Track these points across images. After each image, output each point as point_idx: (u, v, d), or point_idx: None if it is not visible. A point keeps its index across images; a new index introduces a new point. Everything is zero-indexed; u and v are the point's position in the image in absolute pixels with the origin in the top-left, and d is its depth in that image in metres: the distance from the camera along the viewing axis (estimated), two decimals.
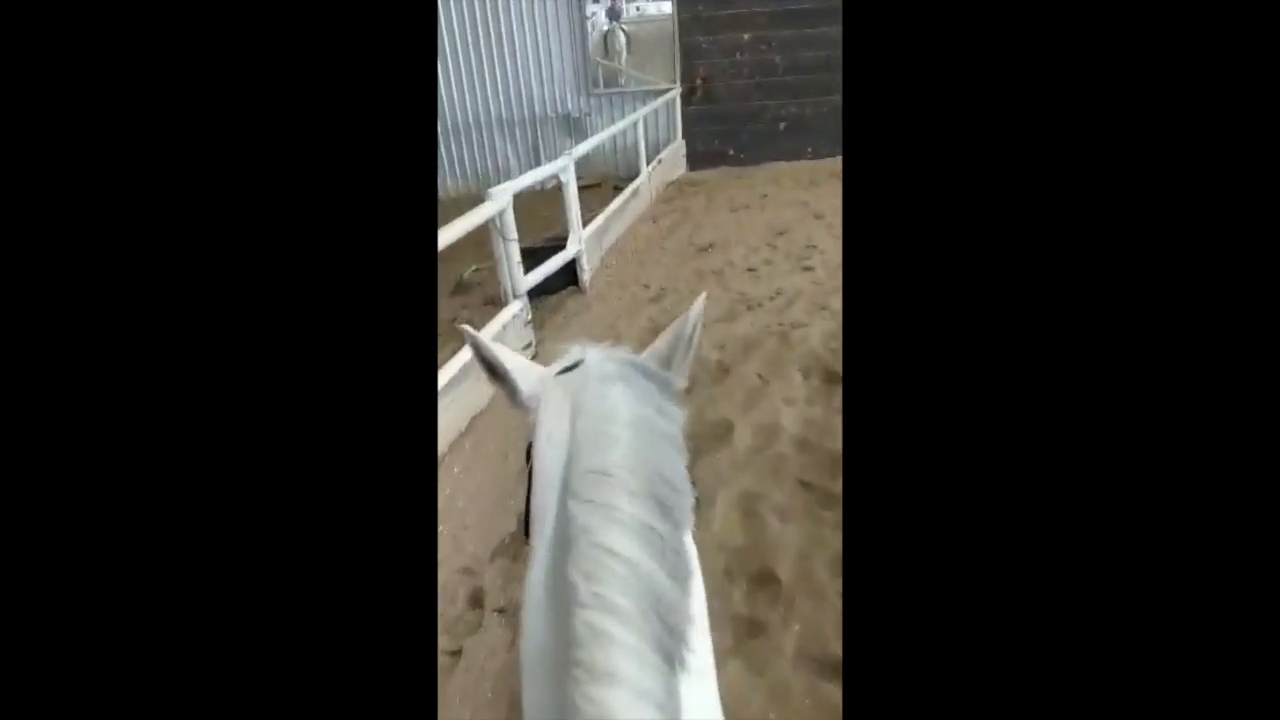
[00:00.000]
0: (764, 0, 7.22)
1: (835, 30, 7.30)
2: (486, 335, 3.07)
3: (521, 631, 0.62)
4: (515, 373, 0.85)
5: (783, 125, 7.69)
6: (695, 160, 7.73)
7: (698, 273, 4.62)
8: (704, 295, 0.87)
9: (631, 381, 0.71)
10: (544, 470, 0.68)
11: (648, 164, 6.28)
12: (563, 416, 0.69)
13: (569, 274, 4.40)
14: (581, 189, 4.77)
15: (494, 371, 0.86)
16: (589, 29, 7.77)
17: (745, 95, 7.58)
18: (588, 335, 0.87)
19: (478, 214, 3.00)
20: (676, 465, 0.65)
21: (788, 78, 7.50)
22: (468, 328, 0.91)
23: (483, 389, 2.99)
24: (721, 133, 7.72)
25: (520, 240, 3.75)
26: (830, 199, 6.34)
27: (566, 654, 0.52)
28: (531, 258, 4.58)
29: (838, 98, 7.57)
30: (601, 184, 7.46)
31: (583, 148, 4.59)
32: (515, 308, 3.38)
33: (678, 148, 7.52)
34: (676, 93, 7.44)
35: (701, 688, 0.62)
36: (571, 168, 4.17)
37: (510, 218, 3.28)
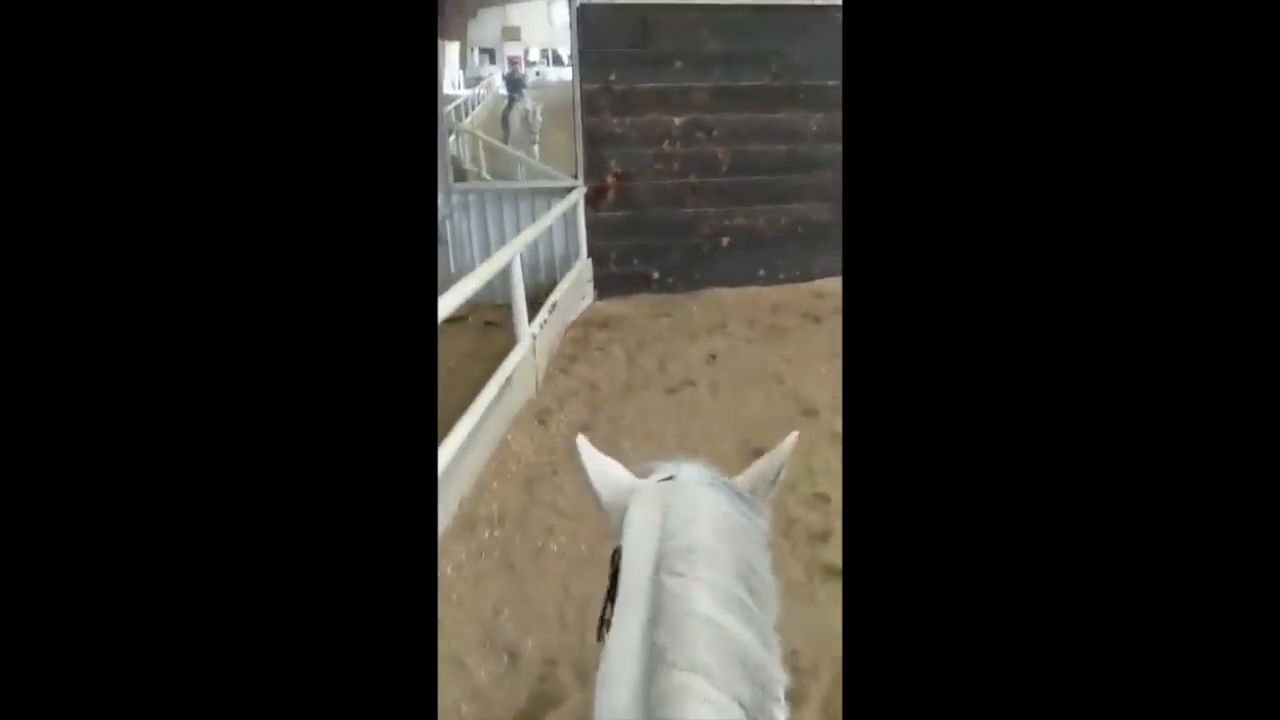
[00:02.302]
0: (703, 72, 5.15)
1: (799, 117, 5.33)
2: None
3: (596, 705, 0.62)
4: (599, 480, 0.91)
5: (726, 240, 5.58)
6: (607, 284, 5.47)
7: None
8: (796, 434, 0.97)
9: (721, 489, 0.77)
10: (633, 557, 0.71)
11: (531, 320, 3.86)
12: (655, 511, 0.74)
13: None
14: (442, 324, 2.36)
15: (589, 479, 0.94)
16: (444, 97, 5.48)
17: (676, 199, 5.43)
18: None
19: None
20: (762, 558, 0.70)
21: (734, 178, 5.42)
22: (582, 440, 0.99)
23: None
24: (643, 249, 5.50)
25: None
26: (812, 365, 4.17)
27: (652, 715, 0.54)
28: None
29: (802, 206, 5.55)
30: (470, 316, 5.05)
31: None
32: None
33: (582, 270, 5.23)
34: (580, 193, 5.19)
35: None
36: None
37: None
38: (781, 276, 5.67)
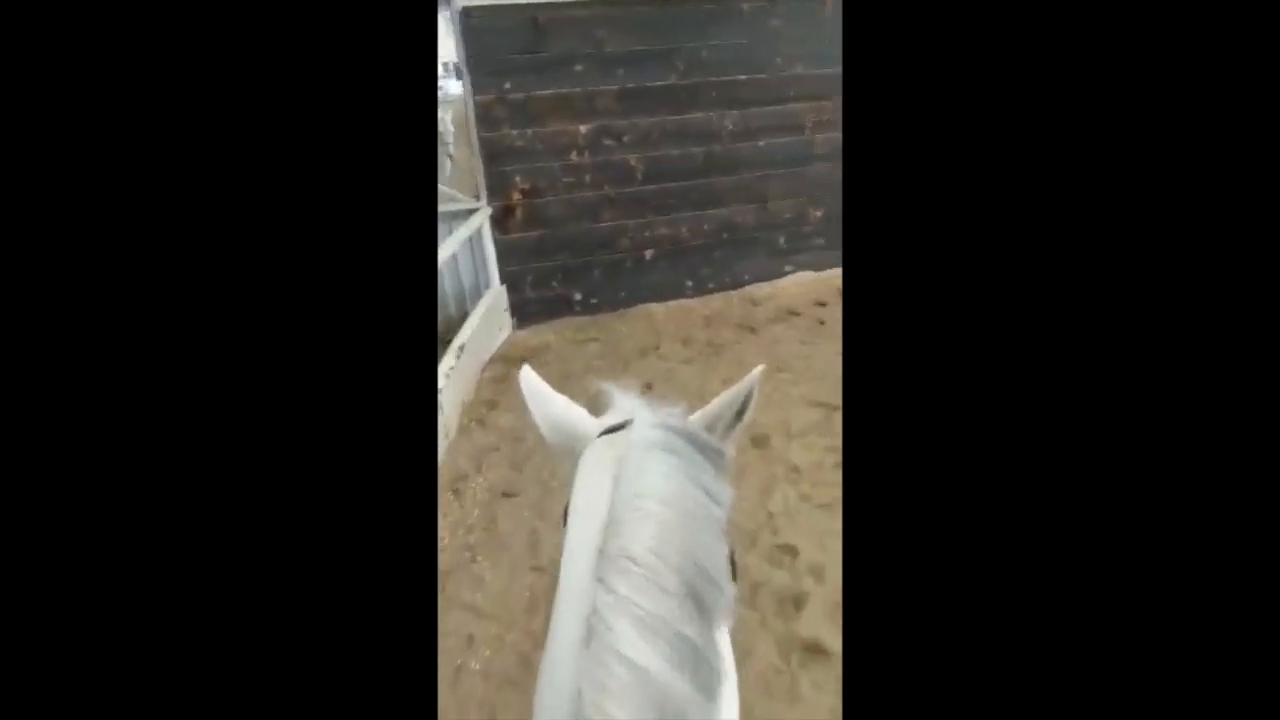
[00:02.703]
0: (605, 74, 4.75)
1: (712, 116, 4.99)
2: None
3: (535, 711, 0.60)
4: (546, 424, 0.85)
5: (649, 253, 5.19)
6: (525, 310, 5.01)
7: None
8: (761, 367, 0.88)
9: (679, 453, 0.68)
10: (573, 542, 0.66)
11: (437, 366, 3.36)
12: (601, 486, 0.67)
13: None
14: None
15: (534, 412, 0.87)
16: None
17: (591, 213, 5.01)
18: None
19: None
20: (717, 555, 0.62)
21: (650, 185, 5.04)
22: (528, 369, 0.91)
23: None
24: (561, 269, 5.06)
25: None
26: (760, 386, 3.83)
27: None
28: None
29: (725, 211, 5.22)
30: None
31: None
32: None
33: (495, 300, 4.74)
34: (484, 215, 4.71)
35: None
36: None
37: None
38: (711, 286, 5.34)
